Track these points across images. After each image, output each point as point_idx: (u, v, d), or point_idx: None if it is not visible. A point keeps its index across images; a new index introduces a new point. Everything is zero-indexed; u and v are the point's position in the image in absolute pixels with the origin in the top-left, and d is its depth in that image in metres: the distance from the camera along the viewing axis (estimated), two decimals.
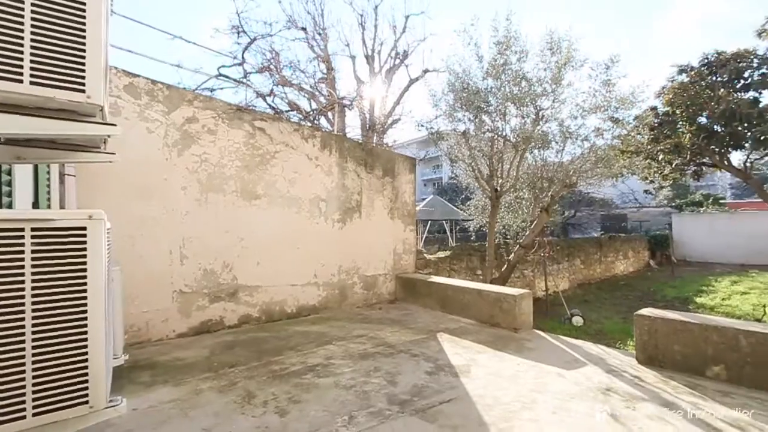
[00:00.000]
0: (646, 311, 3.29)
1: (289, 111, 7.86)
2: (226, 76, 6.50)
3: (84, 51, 1.15)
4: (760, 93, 9.14)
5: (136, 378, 2.88)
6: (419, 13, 11.55)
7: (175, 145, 3.95)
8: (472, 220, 10.78)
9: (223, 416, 2.34)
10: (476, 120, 6.90)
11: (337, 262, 5.34)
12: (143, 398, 2.56)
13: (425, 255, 8.21)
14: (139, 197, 3.72)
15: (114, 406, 1.21)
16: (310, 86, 8.86)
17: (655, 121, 10.19)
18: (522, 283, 10.19)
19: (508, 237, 9.96)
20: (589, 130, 6.87)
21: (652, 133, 9.97)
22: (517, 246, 8.22)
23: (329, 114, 9.23)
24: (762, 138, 8.87)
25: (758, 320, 7.48)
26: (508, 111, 6.74)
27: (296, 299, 4.87)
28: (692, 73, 9.93)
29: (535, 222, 7.91)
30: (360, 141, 8.55)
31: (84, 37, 1.14)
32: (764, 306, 8.64)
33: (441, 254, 8.70)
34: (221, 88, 6.05)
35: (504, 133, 6.87)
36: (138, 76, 3.74)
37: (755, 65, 9.19)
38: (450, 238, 17.77)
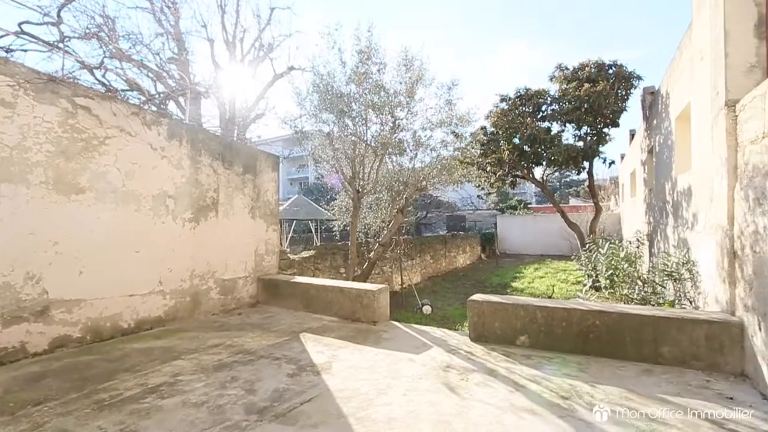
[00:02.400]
0: (476, 297, 3.96)
1: (126, 90, 6.59)
2: (33, 36, 5.04)
3: None
4: (551, 124, 12.04)
5: None
6: (285, 8, 11.09)
7: None
8: (337, 220, 11.06)
9: None
10: (340, 123, 7.13)
11: (189, 266, 4.79)
12: None
13: (289, 255, 8.06)
14: None
15: None
16: (156, 65, 7.61)
17: (485, 138, 12.34)
18: (381, 278, 10.95)
19: (369, 236, 10.57)
20: (436, 142, 7.86)
21: (482, 148, 12.03)
22: (377, 244, 8.80)
23: (181, 100, 8.12)
24: (552, 158, 11.73)
25: (549, 297, 9.80)
26: (369, 117, 7.17)
27: (135, 312, 4.17)
28: (510, 102, 12.42)
29: (392, 222, 8.61)
30: (218, 134, 7.81)
31: None
32: (553, 286, 11.36)
33: (305, 254, 8.67)
34: (24, 50, 4.65)
35: (365, 138, 7.27)
36: None
37: (548, 102, 12.07)
38: (315, 237, 17.82)
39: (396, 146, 7.35)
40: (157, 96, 7.47)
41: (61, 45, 5.24)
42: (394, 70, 7.17)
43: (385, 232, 8.85)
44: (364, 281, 7.84)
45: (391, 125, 7.24)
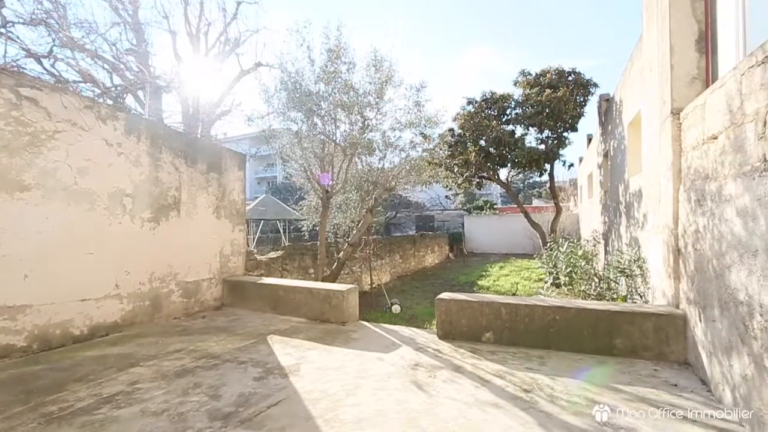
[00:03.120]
0: (443, 295, 4.04)
1: (79, 82, 6.17)
2: None
3: None
4: (515, 127, 12.47)
5: None
6: (252, 2, 10.74)
7: None
8: (306, 219, 10.92)
9: None
10: (309, 121, 7.04)
11: (148, 269, 4.57)
12: None
13: (256, 256, 7.86)
14: None
15: None
16: (113, 56, 7.16)
17: (452, 140, 12.60)
18: (351, 278, 10.92)
19: (339, 236, 10.51)
20: (405, 142, 7.93)
21: (449, 149, 12.28)
22: (346, 244, 8.77)
23: (140, 94, 7.70)
24: (516, 160, 12.16)
25: (513, 294, 10.14)
26: (338, 117, 7.13)
27: (89, 317, 3.93)
28: (476, 105, 12.76)
29: (361, 222, 8.60)
30: (180, 130, 7.49)
31: None
32: (517, 284, 11.77)
33: (273, 254, 8.50)
34: None
35: (335, 138, 7.22)
36: None
37: (513, 106, 12.50)
38: (283, 238, 17.49)
39: (365, 146, 7.35)
40: (113, 89, 7.07)
41: (3, 30, 4.85)
42: (364, 70, 7.18)
43: (355, 232, 8.83)
44: (334, 282, 7.79)
45: (361, 125, 7.23)
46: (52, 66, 5.97)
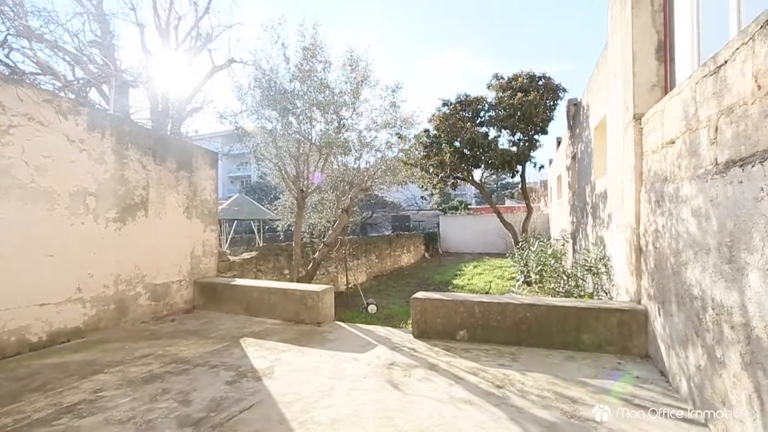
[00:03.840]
0: (419, 294, 4.08)
1: (37, 74, 5.82)
2: None
3: None
4: (489, 129, 12.75)
5: None
6: None
7: None
8: (281, 219, 10.74)
9: None
10: (283, 120, 6.92)
11: (114, 271, 4.37)
12: None
13: (229, 257, 7.68)
14: None
15: None
16: (75, 48, 6.76)
17: (428, 141, 12.76)
18: (327, 279, 10.84)
19: (314, 236, 10.41)
20: (381, 143, 7.93)
21: (425, 150, 12.42)
22: (322, 245, 8.69)
23: (105, 88, 7.34)
24: (490, 162, 12.45)
25: (487, 293, 10.36)
26: (314, 116, 7.04)
27: (48, 323, 3.72)
28: (451, 107, 12.97)
29: (337, 222, 8.55)
30: (148, 127, 7.21)
31: None
32: (490, 282, 12.03)
33: (247, 255, 8.32)
34: None
35: (310, 137, 7.14)
36: None
37: (486, 108, 12.78)
38: (258, 238, 17.13)
39: (341, 146, 7.30)
40: (75, 82, 6.71)
41: None
42: (340, 70, 7.12)
43: (330, 232, 8.76)
44: (309, 282, 7.71)
45: (337, 125, 7.17)
46: (7, 56, 5.59)
